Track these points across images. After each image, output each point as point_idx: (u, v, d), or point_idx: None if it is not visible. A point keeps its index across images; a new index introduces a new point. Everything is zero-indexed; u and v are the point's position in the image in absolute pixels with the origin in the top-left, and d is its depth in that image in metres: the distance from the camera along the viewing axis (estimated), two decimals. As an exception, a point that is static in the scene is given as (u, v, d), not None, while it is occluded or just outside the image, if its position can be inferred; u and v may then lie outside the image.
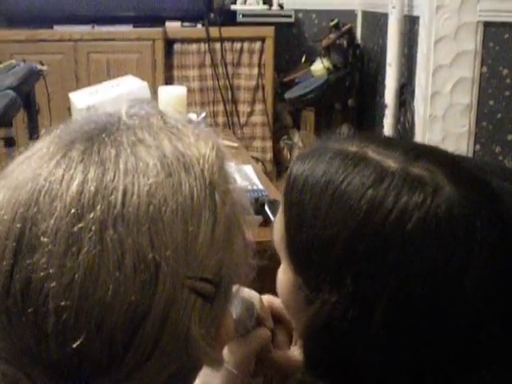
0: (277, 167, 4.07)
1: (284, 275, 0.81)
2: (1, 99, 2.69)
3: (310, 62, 4.05)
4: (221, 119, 3.94)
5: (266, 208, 1.64)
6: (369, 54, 4.16)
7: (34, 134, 3.16)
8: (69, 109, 2.30)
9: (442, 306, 0.69)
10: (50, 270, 0.54)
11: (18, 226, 0.55)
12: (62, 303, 0.54)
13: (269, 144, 4.03)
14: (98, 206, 0.54)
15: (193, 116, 2.26)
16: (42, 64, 3.09)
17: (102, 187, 0.55)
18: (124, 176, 0.56)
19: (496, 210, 0.73)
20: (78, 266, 0.54)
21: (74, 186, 0.55)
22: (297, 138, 4.15)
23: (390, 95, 3.39)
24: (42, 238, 0.54)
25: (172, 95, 2.20)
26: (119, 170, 0.56)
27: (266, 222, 1.51)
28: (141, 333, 0.55)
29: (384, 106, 3.44)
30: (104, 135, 0.59)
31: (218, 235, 0.60)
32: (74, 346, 0.54)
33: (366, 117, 4.21)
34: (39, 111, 3.15)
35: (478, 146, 3.17)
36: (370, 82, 4.07)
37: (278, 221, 0.82)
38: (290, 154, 4.12)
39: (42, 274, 0.54)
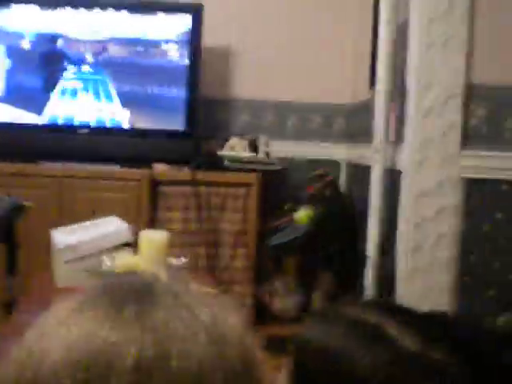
0: (257, 313, 4.02)
1: None
2: (-20, 234, 2.68)
3: (294, 209, 4.09)
4: (202, 262, 3.92)
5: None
6: (351, 204, 4.22)
7: (12, 268, 3.13)
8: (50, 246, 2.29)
9: None
10: None
11: None
12: None
13: (249, 289, 4.00)
14: (155, 375, 0.54)
15: (173, 260, 2.25)
16: (27, 199, 3.11)
17: (160, 354, 0.55)
18: (177, 343, 0.56)
19: None
20: None
21: (133, 352, 0.54)
22: (278, 284, 4.13)
23: (372, 246, 3.40)
24: None
25: (153, 239, 2.19)
26: (172, 337, 0.56)
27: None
28: None
29: (366, 257, 3.44)
30: (151, 298, 0.59)
31: None
32: None
33: (348, 265, 4.21)
34: (19, 246, 3.13)
35: (460, 301, 3.16)
36: (353, 231, 4.10)
37: (282, 378, 0.79)
38: (271, 300, 4.09)
39: None
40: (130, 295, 0.58)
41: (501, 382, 0.70)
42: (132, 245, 2.23)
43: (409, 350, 0.70)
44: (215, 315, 0.60)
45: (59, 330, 0.57)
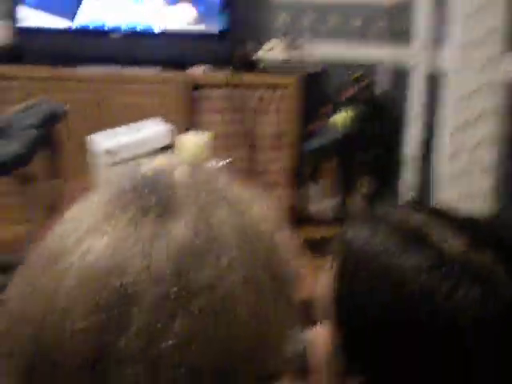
0: (295, 216, 4.05)
1: (323, 335, 0.79)
2: (22, 138, 2.71)
3: (332, 111, 4.06)
4: (241, 165, 3.94)
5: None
6: (392, 108, 4.16)
7: (54, 173, 3.18)
8: (89, 150, 2.30)
9: None
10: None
11: (94, 341, 0.50)
12: None
13: (288, 192, 4.02)
14: (178, 316, 0.51)
15: (215, 162, 2.26)
16: (66, 104, 3.12)
17: (182, 290, 0.51)
18: (200, 271, 0.52)
19: None
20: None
21: (154, 289, 0.50)
22: (316, 186, 4.14)
23: (411, 150, 3.38)
24: (121, 354, 0.49)
25: (193, 142, 2.20)
26: (195, 264, 0.52)
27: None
28: None
29: (404, 161, 3.42)
30: (171, 214, 0.54)
31: (281, 323, 0.57)
32: None
33: (386, 170, 4.19)
34: (60, 151, 3.16)
35: (500, 205, 3.14)
36: (391, 135, 4.06)
37: (325, 278, 0.79)
38: (309, 202, 4.11)
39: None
40: (150, 210, 0.54)
41: None
42: (172, 147, 2.23)
43: (452, 254, 0.69)
44: (242, 228, 0.56)
45: (77, 248, 0.53)
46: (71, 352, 0.49)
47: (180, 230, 0.53)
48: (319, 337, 0.80)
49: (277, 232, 0.60)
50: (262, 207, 0.61)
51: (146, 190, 0.57)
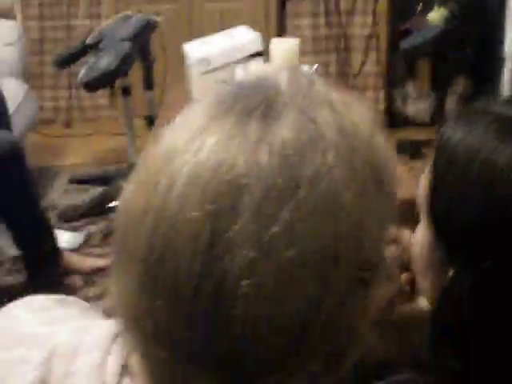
0: (390, 118, 4.01)
1: (422, 233, 0.80)
2: (117, 50, 2.75)
3: (427, 10, 3.93)
4: (333, 69, 3.90)
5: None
6: (489, 4, 4.00)
7: (149, 83, 3.24)
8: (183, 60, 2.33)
9: None
10: (243, 274, 0.53)
11: (208, 227, 0.53)
12: (253, 309, 0.53)
13: (382, 94, 3.97)
14: (286, 205, 0.53)
15: (305, 68, 2.25)
16: (158, 15, 3.14)
17: (289, 182, 0.53)
18: (305, 167, 0.54)
19: None
20: (269, 270, 0.53)
21: (262, 181, 0.53)
22: (411, 88, 4.07)
23: (509, 48, 3.25)
24: (234, 239, 0.52)
25: (284, 47, 2.19)
26: (300, 160, 0.54)
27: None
28: (312, 328, 0.55)
29: (503, 59, 3.30)
30: (275, 114, 0.56)
31: (381, 220, 0.59)
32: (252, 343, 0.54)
33: (483, 69, 4.07)
34: (154, 61, 3.21)
35: None
36: (489, 32, 3.92)
37: (424, 176, 0.80)
38: (404, 104, 4.05)
39: (234, 275, 0.53)
40: (254, 110, 0.56)
41: None
42: (263, 54, 2.23)
43: None
44: (342, 124, 0.57)
45: (189, 147, 0.56)
46: (188, 238, 0.53)
47: (285, 127, 0.55)
48: (418, 232, 0.81)
49: (376, 133, 0.60)
50: (360, 109, 0.61)
51: (250, 92, 0.59)
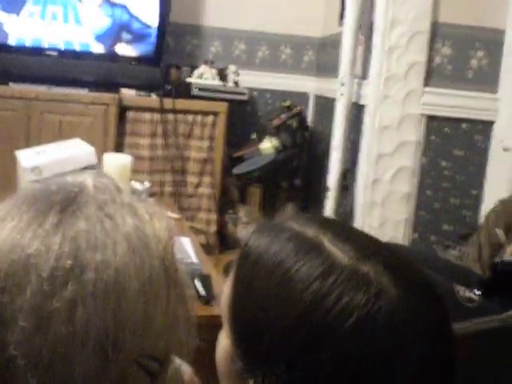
0: (220, 240, 4.09)
1: (223, 342, 0.82)
2: None
3: (260, 139, 4.13)
4: (168, 189, 3.95)
5: (196, 282, 1.67)
6: (317, 137, 4.27)
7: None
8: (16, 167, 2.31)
9: None
10: (21, 347, 0.56)
11: None
12: (31, 380, 0.56)
13: (214, 217, 4.05)
14: (70, 284, 0.57)
15: (136, 185, 2.30)
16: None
17: (77, 265, 0.58)
18: (95, 253, 0.59)
19: (434, 318, 0.74)
20: (46, 344, 0.56)
21: (51, 262, 0.58)
22: (242, 212, 4.19)
23: (333, 179, 3.46)
24: (16, 312, 0.57)
25: (117, 163, 2.23)
26: (91, 247, 0.59)
27: (196, 297, 1.53)
28: None
29: (327, 189, 3.51)
30: (75, 208, 0.62)
31: (170, 314, 0.63)
32: None
33: (311, 197, 4.28)
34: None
35: (415, 234, 3.26)
36: (317, 163, 4.16)
37: (227, 286, 0.82)
38: (235, 227, 4.15)
39: (13, 350, 0.56)
40: (55, 204, 0.62)
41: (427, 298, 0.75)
42: (96, 168, 2.26)
43: (341, 263, 0.73)
44: (139, 225, 0.63)
45: None
46: None
47: (82, 219, 0.61)
48: (220, 340, 0.84)
49: (172, 241, 0.66)
50: (162, 220, 0.67)
51: (56, 189, 0.65)
